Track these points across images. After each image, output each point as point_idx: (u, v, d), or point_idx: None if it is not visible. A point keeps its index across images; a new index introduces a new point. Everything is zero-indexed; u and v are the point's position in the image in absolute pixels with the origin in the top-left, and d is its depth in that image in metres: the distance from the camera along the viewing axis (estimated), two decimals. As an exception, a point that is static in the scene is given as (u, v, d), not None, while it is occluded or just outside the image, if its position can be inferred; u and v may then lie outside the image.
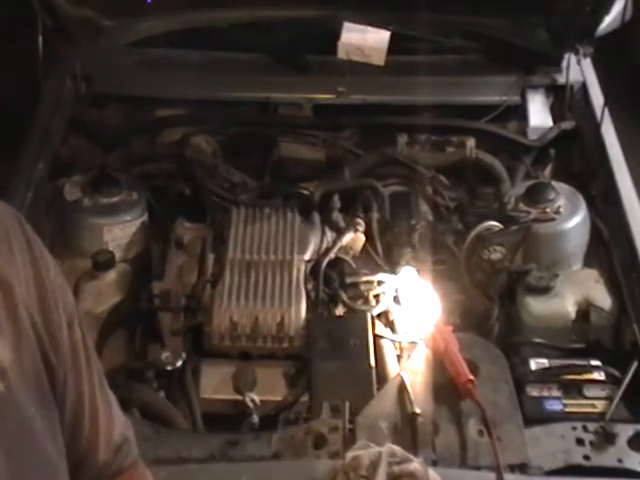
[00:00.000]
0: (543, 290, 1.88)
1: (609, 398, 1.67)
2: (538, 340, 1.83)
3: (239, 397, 1.73)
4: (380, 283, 1.97)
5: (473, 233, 2.03)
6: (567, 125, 2.33)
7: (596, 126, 2.22)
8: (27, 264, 0.95)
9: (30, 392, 0.92)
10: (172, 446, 1.56)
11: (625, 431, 1.58)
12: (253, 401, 1.72)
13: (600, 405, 1.67)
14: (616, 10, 2.18)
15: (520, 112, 2.38)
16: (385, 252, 2.08)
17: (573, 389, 1.70)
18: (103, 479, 1.05)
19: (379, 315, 1.90)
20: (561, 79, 2.38)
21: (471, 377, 1.64)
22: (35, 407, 0.92)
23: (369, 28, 2.34)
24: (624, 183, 2.12)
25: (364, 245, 2.09)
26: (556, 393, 1.70)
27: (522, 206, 2.05)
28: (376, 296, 1.95)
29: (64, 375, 0.97)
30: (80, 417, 1.01)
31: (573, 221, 2.02)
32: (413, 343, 1.81)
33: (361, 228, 2.08)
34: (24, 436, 0.90)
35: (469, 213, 2.17)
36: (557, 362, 1.76)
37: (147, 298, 1.91)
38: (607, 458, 1.55)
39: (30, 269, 0.95)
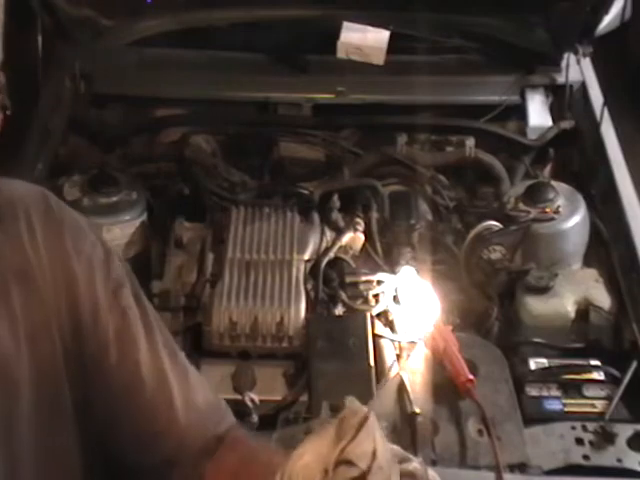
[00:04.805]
0: (542, 290, 1.87)
1: (608, 398, 1.67)
2: (537, 340, 1.82)
3: (238, 396, 1.72)
4: (380, 283, 1.96)
5: (473, 233, 2.02)
6: (567, 125, 2.33)
7: (595, 126, 2.22)
8: (53, 250, 0.94)
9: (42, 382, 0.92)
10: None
11: (624, 431, 1.58)
12: (252, 401, 1.71)
13: (599, 405, 1.67)
14: (615, 10, 2.18)
15: (519, 112, 2.38)
16: (384, 252, 2.08)
17: (572, 389, 1.70)
18: (196, 449, 1.03)
19: (378, 315, 1.90)
20: (560, 79, 2.38)
21: (470, 377, 1.63)
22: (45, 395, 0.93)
23: (368, 28, 2.34)
24: (624, 183, 2.11)
25: (363, 245, 2.09)
26: (555, 393, 1.69)
27: (521, 206, 2.04)
28: (375, 296, 1.94)
29: (103, 349, 0.96)
30: (137, 386, 0.99)
31: (572, 221, 2.02)
32: (412, 343, 1.80)
33: (360, 228, 2.08)
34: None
35: (469, 213, 2.17)
36: (556, 362, 1.76)
37: (146, 298, 1.90)
38: (606, 458, 1.55)
39: (56, 255, 0.94)
